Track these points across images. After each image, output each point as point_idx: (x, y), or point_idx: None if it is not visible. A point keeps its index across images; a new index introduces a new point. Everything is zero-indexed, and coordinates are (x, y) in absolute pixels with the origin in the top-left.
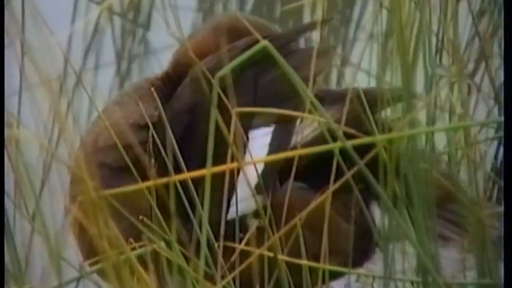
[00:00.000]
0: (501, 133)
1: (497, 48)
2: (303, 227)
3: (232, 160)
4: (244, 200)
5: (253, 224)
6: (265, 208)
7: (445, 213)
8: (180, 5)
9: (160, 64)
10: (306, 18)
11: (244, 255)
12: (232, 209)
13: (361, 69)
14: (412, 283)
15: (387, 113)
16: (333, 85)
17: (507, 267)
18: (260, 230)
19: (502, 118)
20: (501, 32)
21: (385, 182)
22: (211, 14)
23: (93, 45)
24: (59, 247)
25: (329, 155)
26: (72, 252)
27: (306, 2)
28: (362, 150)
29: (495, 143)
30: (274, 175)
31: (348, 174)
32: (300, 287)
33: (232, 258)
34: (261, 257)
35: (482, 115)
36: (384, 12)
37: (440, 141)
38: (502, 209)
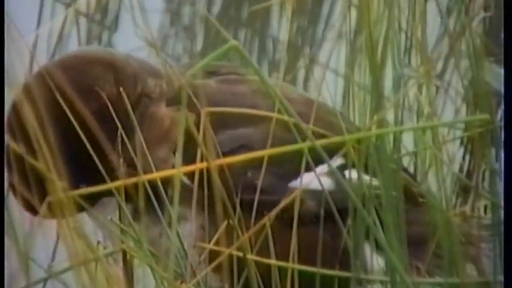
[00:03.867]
0: (468, 133)
1: (465, 48)
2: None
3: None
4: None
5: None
6: (234, 207)
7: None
8: (147, 6)
9: None
10: (274, 19)
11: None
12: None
13: (329, 68)
14: (381, 282)
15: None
16: (300, 85)
17: (507, 267)
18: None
19: (487, 116)
20: (468, 32)
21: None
22: (179, 16)
23: (58, 48)
24: (27, 247)
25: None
26: (41, 252)
27: (274, 3)
28: None
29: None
30: None
31: (324, 172)
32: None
33: (202, 257)
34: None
35: (450, 115)
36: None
37: (408, 142)
38: (466, 209)
